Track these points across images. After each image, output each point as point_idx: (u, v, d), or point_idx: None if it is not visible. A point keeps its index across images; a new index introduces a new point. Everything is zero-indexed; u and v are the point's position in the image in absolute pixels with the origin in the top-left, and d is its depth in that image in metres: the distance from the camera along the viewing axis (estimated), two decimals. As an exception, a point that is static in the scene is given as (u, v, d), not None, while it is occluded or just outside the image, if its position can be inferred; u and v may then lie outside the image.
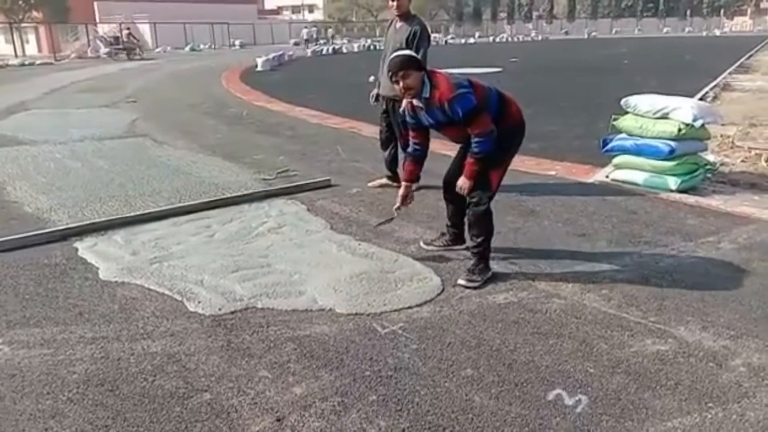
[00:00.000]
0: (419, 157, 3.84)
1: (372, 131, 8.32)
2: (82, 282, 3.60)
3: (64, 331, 3.00)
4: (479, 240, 3.50)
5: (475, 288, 3.37)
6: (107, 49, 32.25)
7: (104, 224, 4.55)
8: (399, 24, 5.14)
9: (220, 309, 3.18)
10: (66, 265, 3.88)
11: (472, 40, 49.11)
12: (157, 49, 39.56)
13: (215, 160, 6.86)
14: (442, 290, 3.37)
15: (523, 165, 6.25)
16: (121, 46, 30.59)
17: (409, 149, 3.85)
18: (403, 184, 3.84)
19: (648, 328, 2.94)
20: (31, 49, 43.49)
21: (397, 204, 3.79)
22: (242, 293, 3.36)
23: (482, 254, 3.51)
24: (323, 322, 3.03)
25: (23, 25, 42.04)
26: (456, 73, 3.43)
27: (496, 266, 3.67)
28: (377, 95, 5.38)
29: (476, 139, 3.31)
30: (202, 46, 41.28)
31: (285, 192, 5.35)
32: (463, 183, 3.48)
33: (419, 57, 3.22)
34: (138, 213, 4.80)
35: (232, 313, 3.14)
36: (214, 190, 5.56)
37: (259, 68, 21.02)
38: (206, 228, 4.49)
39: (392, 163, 5.49)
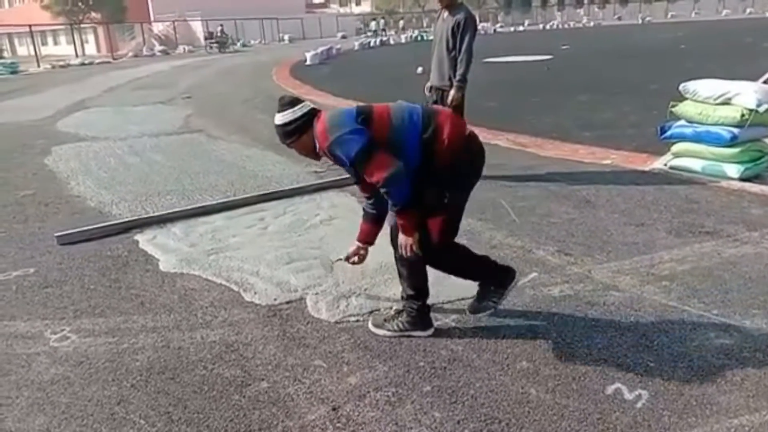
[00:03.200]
0: (374, 216, 2.95)
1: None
2: (143, 273, 3.72)
3: (127, 320, 3.11)
4: (411, 293, 2.82)
5: (385, 335, 2.79)
6: (161, 47, 33.49)
7: (163, 217, 4.69)
8: (446, 14, 5.10)
9: (275, 299, 3.24)
10: (128, 257, 4.02)
11: (521, 28, 48.27)
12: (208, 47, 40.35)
13: (268, 154, 6.96)
14: (495, 282, 3.33)
15: (576, 154, 6.14)
16: (214, 40, 34.49)
17: (363, 205, 3.01)
18: (356, 243, 3.04)
19: (711, 321, 2.84)
20: (90, 48, 45.10)
21: (342, 257, 3.08)
22: (296, 284, 3.41)
23: (411, 306, 2.81)
24: (376, 313, 3.04)
25: (83, 25, 43.55)
26: (345, 108, 2.67)
27: (551, 258, 3.62)
28: (430, 87, 5.36)
29: (382, 190, 2.49)
30: (252, 42, 41.90)
31: (336, 184, 5.38)
32: (402, 241, 2.66)
33: (303, 114, 2.61)
34: (195, 206, 4.92)
35: (287, 303, 3.19)
36: (267, 183, 5.65)
37: (308, 62, 21.21)
38: (260, 220, 4.57)
39: None
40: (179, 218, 4.67)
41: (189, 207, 4.92)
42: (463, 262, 2.86)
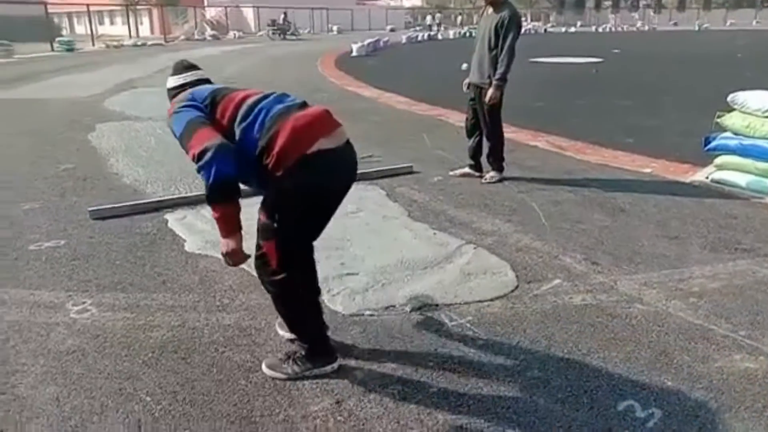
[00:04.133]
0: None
1: (459, 119, 8.21)
2: (168, 252, 3.77)
3: (147, 297, 3.16)
4: (290, 326, 2.55)
5: (281, 379, 2.43)
6: (212, 32, 34.15)
7: (194, 199, 4.74)
8: (490, 11, 5.02)
9: (292, 288, 3.23)
10: (156, 235, 4.08)
11: (573, 29, 47.37)
12: (259, 33, 40.78)
13: (303, 142, 6.98)
14: (516, 286, 3.27)
15: (616, 160, 5.98)
16: (276, 27, 35.36)
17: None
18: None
19: (737, 343, 2.73)
20: (145, 30, 46.06)
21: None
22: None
23: (303, 339, 2.50)
24: (391, 309, 3.01)
25: (138, 7, 44.52)
26: (210, 86, 2.45)
27: (577, 265, 3.53)
28: (468, 83, 5.29)
29: (196, 168, 2.11)
30: (301, 31, 42.17)
31: (366, 177, 5.36)
32: (221, 246, 2.26)
33: (187, 83, 2.42)
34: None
35: (304, 293, 3.19)
36: (299, 171, 5.66)
37: (354, 54, 21.25)
38: (287, 208, 4.58)
39: (476, 152, 5.39)
40: (209, 201, 4.71)
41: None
42: (296, 311, 2.42)
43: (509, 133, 7.05)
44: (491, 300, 3.11)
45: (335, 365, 2.48)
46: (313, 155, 2.16)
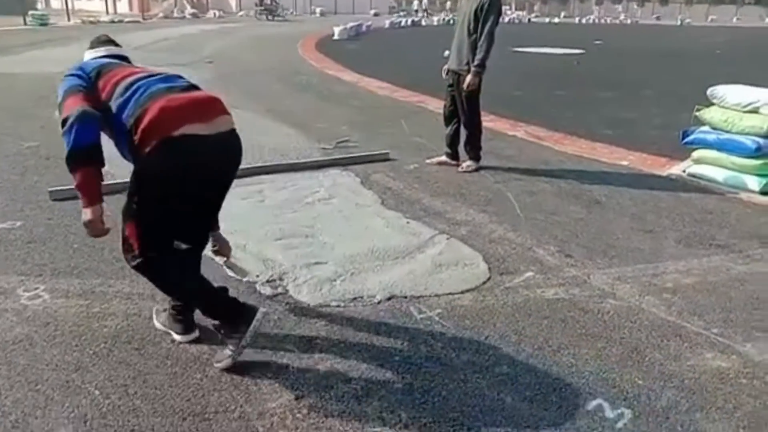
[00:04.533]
0: None
1: (439, 106, 8.10)
2: (129, 237, 3.62)
3: (104, 284, 3.02)
4: (192, 307, 2.52)
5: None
6: (192, 11, 33.54)
7: (160, 181, 4.58)
8: None
9: (257, 276, 3.12)
10: (118, 218, 3.91)
11: (556, 20, 47.33)
12: (240, 13, 40.14)
13: (279, 126, 6.83)
14: (488, 278, 3.19)
15: (594, 152, 5.93)
16: (264, 8, 34.77)
17: None
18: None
19: (710, 341, 2.67)
20: (123, 6, 44.99)
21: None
22: (282, 261, 3.29)
23: (173, 306, 2.53)
24: (358, 300, 2.91)
25: (116, -17, 43.45)
26: (102, 59, 2.39)
27: (550, 258, 3.46)
28: (447, 69, 5.18)
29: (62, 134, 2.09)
30: (285, 13, 41.57)
31: (341, 162, 5.24)
32: (83, 217, 2.19)
33: (100, 56, 2.39)
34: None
35: (269, 281, 3.07)
36: (273, 155, 5.52)
37: (335, 37, 20.98)
38: (258, 193, 4.45)
39: (453, 140, 5.29)
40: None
41: (188, 173, 4.80)
42: (178, 288, 2.39)
43: (488, 121, 6.97)
44: (462, 292, 3.02)
45: (189, 337, 2.48)
46: (177, 138, 2.07)
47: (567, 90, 10.43)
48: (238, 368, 2.35)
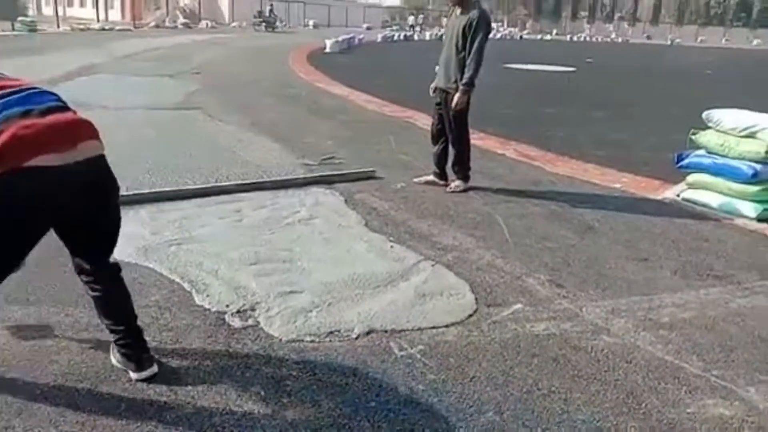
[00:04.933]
0: None
1: (428, 122, 7.93)
2: (94, 259, 3.40)
3: (61, 312, 2.80)
4: None
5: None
6: (184, 20, 33.46)
7: (134, 198, 4.36)
8: (458, 11, 4.78)
9: (227, 305, 2.91)
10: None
11: (548, 37, 47.64)
12: (233, 24, 40.04)
13: (263, 140, 6.64)
14: (475, 311, 3.00)
15: (586, 174, 5.78)
16: (262, 19, 34.89)
17: None
18: None
19: (710, 384, 2.49)
20: (115, 14, 44.75)
21: None
22: (255, 289, 3.08)
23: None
24: (335, 335, 2.71)
25: (109, -9, 43.29)
26: None
27: (540, 288, 3.27)
28: (435, 87, 5.02)
29: None
30: (279, 25, 41.52)
31: (325, 180, 5.05)
32: None
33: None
34: (171, 189, 4.61)
35: (239, 312, 2.86)
36: (254, 171, 5.32)
37: (327, 50, 20.85)
38: (236, 212, 4.24)
39: (441, 159, 5.12)
40: (151, 201, 4.35)
41: (164, 189, 4.60)
42: None
43: (477, 139, 6.81)
44: (446, 326, 2.83)
45: (144, 375, 2.31)
46: (23, 170, 1.93)
47: (558, 108, 10.32)
48: (198, 413, 2.13)
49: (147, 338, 2.57)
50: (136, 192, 4.47)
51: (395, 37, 32.76)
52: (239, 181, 4.90)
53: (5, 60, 13.44)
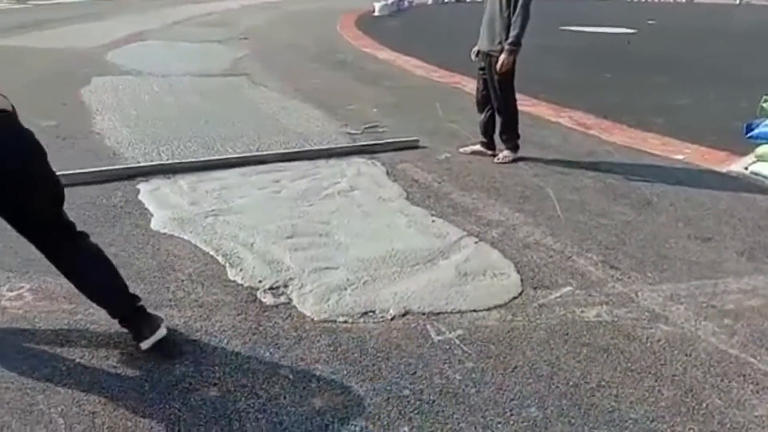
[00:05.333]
0: None
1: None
2: (131, 229, 3.36)
3: (93, 285, 2.74)
4: None
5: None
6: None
7: (173, 167, 4.32)
8: None
9: (260, 281, 2.81)
10: (122, 208, 3.67)
11: (608, -2, 45.51)
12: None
13: (306, 107, 6.50)
14: (520, 293, 2.80)
15: (645, 144, 5.42)
16: None
17: None
18: None
19: (782, 382, 2.25)
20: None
21: None
22: (289, 264, 2.97)
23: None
24: (369, 316, 2.57)
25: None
26: None
27: (593, 269, 3.05)
28: (478, 51, 4.74)
29: None
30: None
31: (367, 150, 4.88)
32: None
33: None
34: (211, 158, 4.54)
35: (272, 288, 2.76)
36: (296, 140, 5.21)
37: (376, 13, 20.41)
38: (275, 183, 4.13)
39: (488, 128, 4.87)
40: (190, 170, 4.29)
41: (204, 159, 4.53)
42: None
43: (528, 106, 6.52)
44: (488, 309, 2.65)
45: (157, 336, 2.27)
46: None
47: (617, 72, 9.77)
48: (223, 397, 2.05)
49: (177, 313, 2.51)
50: (177, 161, 4.42)
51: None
52: (280, 151, 4.78)
53: (63, 27, 13.70)
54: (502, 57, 4.42)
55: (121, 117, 5.81)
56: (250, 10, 20.88)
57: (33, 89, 7.01)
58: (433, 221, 3.55)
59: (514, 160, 4.74)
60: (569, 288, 2.86)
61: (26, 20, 15.04)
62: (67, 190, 3.78)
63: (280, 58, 10.18)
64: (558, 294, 2.80)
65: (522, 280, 2.91)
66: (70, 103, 6.37)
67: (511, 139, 4.78)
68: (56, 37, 11.99)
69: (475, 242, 3.30)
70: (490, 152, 4.89)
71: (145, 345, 2.24)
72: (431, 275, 2.91)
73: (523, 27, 4.36)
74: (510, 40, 4.38)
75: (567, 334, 2.50)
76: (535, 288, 2.85)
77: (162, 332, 2.28)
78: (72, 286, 2.66)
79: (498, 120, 4.79)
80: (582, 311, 2.67)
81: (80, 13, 17.45)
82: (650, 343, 2.46)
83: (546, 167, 4.66)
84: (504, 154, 4.77)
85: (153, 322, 2.28)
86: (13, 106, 1.98)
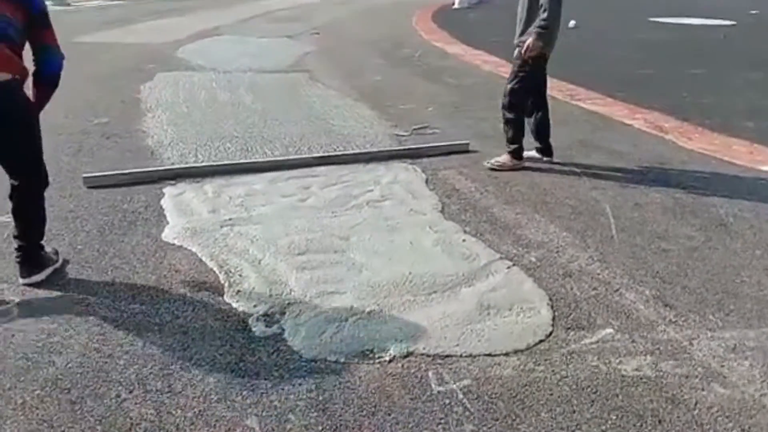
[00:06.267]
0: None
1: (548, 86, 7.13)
2: (141, 238, 3.20)
3: (83, 301, 2.59)
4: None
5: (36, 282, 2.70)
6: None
7: (204, 170, 4.16)
8: None
9: (255, 305, 2.55)
10: (141, 213, 3.53)
11: (709, -14, 42.58)
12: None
13: (360, 106, 6.23)
14: (549, 334, 2.41)
15: (729, 152, 4.78)
16: None
17: None
18: None
19: None
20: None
21: None
22: (293, 287, 2.70)
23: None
24: (366, 355, 2.26)
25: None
26: None
27: (642, 306, 2.60)
28: (516, 44, 4.30)
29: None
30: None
31: (411, 154, 4.55)
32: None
33: None
34: (244, 161, 4.36)
35: (266, 315, 2.50)
36: (339, 141, 4.95)
37: (455, 6, 19.88)
38: (304, 189, 3.88)
39: (540, 131, 4.42)
40: (221, 173, 4.11)
41: (238, 161, 4.36)
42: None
43: (601, 105, 6.03)
44: (506, 354, 2.28)
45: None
46: None
47: (707, 69, 8.90)
48: (176, 449, 1.80)
49: (159, 339, 2.30)
50: (207, 164, 4.27)
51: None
52: (317, 154, 4.53)
53: (146, 23, 14.13)
54: (530, 40, 3.99)
55: (171, 115, 5.75)
56: (328, 5, 20.85)
57: (98, 85, 7.14)
58: (463, 240, 3.18)
59: (513, 168, 4.27)
60: (609, 331, 2.43)
61: (116, 16, 15.66)
62: (94, 193, 3.73)
63: (346, 54, 9.97)
64: (594, 338, 2.38)
65: (554, 318, 2.51)
66: (127, 100, 6.40)
67: (511, 141, 4.31)
68: (136, 32, 12.31)
69: (508, 267, 2.90)
70: (545, 158, 4.45)
71: (24, 280, 2.69)
72: (448, 307, 2.55)
73: (551, 11, 3.94)
74: (538, 23, 3.94)
75: (596, 392, 2.08)
76: (567, 329, 2.44)
77: (39, 278, 2.71)
78: (62, 300, 2.53)
79: (551, 121, 4.35)
80: (620, 362, 2.24)
81: (167, 8, 18.00)
82: (699, 410, 2.01)
83: (607, 177, 4.17)
84: (496, 159, 4.33)
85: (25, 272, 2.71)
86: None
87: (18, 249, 2.72)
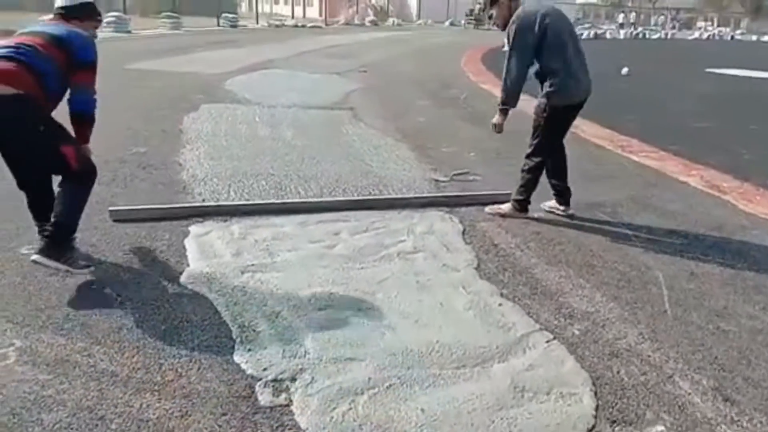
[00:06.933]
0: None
1: (596, 133, 6.86)
2: (158, 280, 3.05)
3: (86, 350, 2.42)
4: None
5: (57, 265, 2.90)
6: (371, 18, 34.52)
7: (232, 209, 4.02)
8: None
9: (265, 369, 2.34)
10: (162, 253, 3.39)
11: (767, 38, 41.61)
12: (418, 22, 40.33)
13: (400, 147, 6.08)
14: (591, 428, 2.11)
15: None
16: (473, 17, 35.96)
17: None
18: None
19: None
20: (313, 12, 47.36)
21: None
22: (308, 348, 2.48)
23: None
24: (377, 440, 2.01)
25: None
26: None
27: (698, 399, 2.28)
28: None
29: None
30: (462, 21, 41.10)
31: (448, 202, 4.33)
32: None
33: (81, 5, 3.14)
34: (274, 202, 4.21)
35: (275, 381, 2.27)
36: (375, 184, 4.77)
37: (505, 48, 19.80)
38: (333, 235, 3.69)
39: (554, 175, 4.18)
40: (250, 213, 3.96)
41: (268, 201, 4.21)
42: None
43: (654, 160, 5.77)
44: (538, 446, 1.99)
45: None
46: None
47: (767, 124, 8.49)
48: None
49: (157, 402, 2.10)
50: (237, 203, 4.14)
51: (584, 35, 30.58)
52: (353, 197, 4.36)
53: (200, 53, 14.46)
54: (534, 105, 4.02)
55: (210, 148, 5.70)
56: (380, 42, 21.17)
57: (143, 113, 7.20)
58: (500, 304, 2.92)
59: (505, 215, 4.07)
60: (660, 429, 2.12)
61: (174, 44, 16.11)
62: (119, 227, 3.62)
63: (391, 93, 9.92)
64: (641, 437, 2.08)
65: (597, 408, 2.21)
66: (169, 130, 6.40)
67: (520, 192, 4.09)
68: (190, 62, 12.58)
69: (547, 341, 2.62)
70: (561, 209, 4.18)
71: (34, 256, 2.89)
72: (477, 386, 2.28)
73: (503, 86, 4.01)
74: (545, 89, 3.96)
75: (643, 508, 1.78)
76: (612, 422, 2.14)
77: (45, 263, 2.87)
78: (65, 348, 2.38)
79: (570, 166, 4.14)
80: (673, 472, 1.93)
81: (225, 39, 18.49)
82: None
83: (660, 241, 3.86)
84: (499, 206, 4.14)
85: (42, 249, 2.90)
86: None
87: (50, 225, 2.94)
